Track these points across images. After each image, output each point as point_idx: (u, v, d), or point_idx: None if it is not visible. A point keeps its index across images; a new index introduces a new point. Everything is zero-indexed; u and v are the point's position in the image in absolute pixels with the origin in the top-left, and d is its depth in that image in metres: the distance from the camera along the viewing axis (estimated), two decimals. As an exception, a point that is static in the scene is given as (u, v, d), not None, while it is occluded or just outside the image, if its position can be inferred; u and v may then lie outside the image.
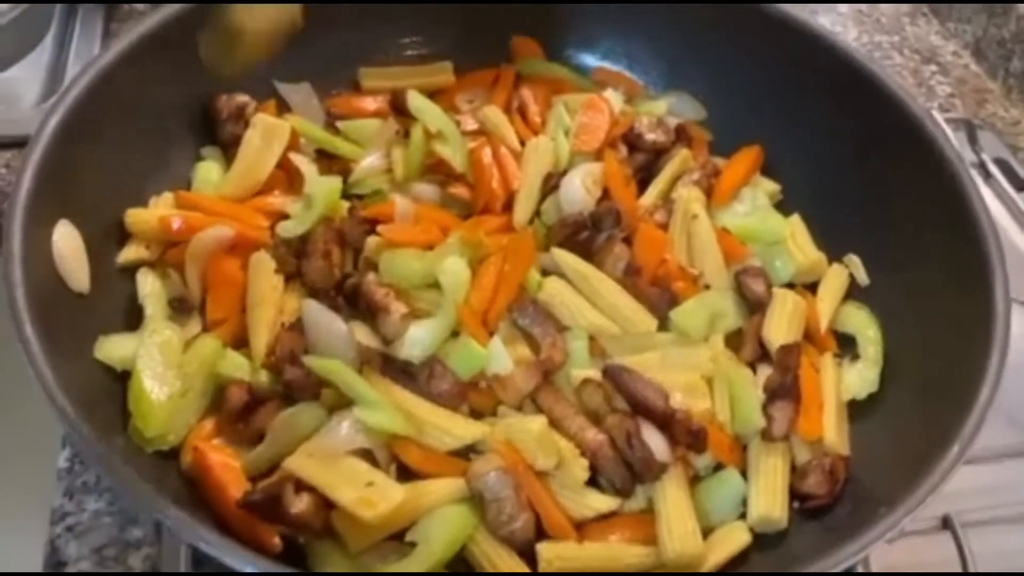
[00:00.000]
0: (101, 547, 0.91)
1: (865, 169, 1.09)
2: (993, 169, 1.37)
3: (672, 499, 0.85)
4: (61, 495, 0.95)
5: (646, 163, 1.16)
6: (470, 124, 1.16)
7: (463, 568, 0.83)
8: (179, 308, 0.94)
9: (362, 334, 0.91)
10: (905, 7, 1.69)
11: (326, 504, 0.80)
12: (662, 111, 1.20)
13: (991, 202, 1.34)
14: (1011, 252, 1.27)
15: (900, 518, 0.73)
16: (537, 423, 0.86)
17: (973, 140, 1.39)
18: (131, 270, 0.97)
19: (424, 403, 0.89)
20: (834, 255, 1.08)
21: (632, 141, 1.16)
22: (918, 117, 1.04)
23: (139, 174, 1.02)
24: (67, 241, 0.89)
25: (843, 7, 1.67)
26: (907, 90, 1.10)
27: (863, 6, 1.68)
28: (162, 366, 0.86)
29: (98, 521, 0.93)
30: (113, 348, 0.88)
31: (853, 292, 1.06)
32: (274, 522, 0.79)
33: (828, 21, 1.64)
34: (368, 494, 0.78)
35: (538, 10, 1.23)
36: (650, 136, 1.16)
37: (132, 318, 0.94)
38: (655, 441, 0.86)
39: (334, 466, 0.81)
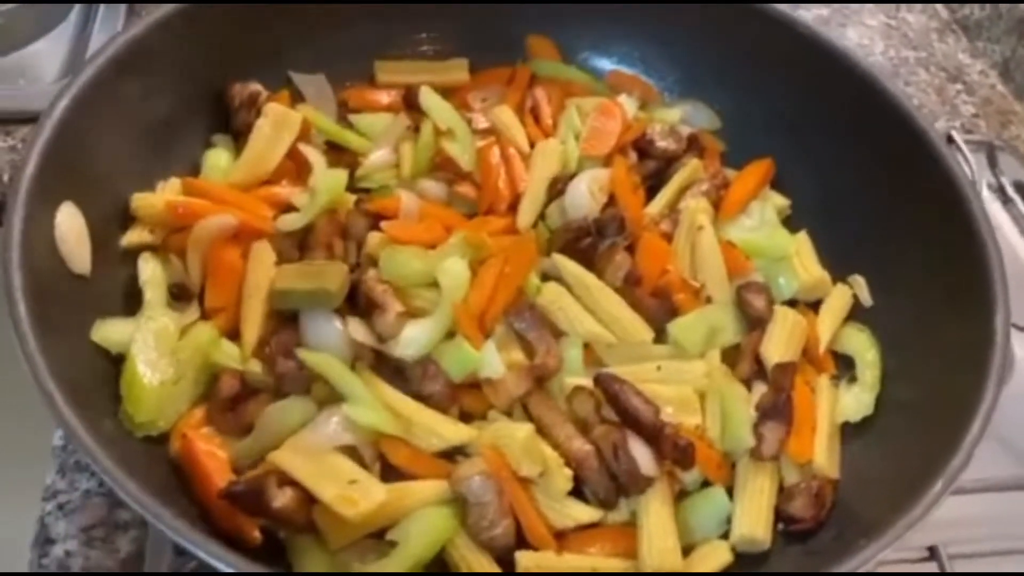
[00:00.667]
0: (89, 527, 0.92)
1: (876, 189, 1.08)
2: (1012, 193, 1.35)
3: (655, 514, 0.85)
4: (54, 472, 0.96)
5: (656, 171, 1.15)
6: (481, 123, 1.15)
7: (438, 570, 0.83)
8: (178, 295, 0.95)
9: (357, 330, 0.91)
10: (935, 23, 1.67)
11: (308, 499, 0.81)
12: (675, 119, 1.19)
13: (1008, 226, 1.33)
14: (1025, 279, 1.27)
15: (875, 552, 0.73)
16: (524, 430, 0.86)
17: (993, 163, 1.37)
18: (134, 254, 0.97)
19: (414, 403, 0.89)
20: (839, 274, 1.07)
21: (643, 148, 1.15)
22: (931, 140, 1.02)
23: (149, 159, 1.02)
24: (70, 223, 0.89)
25: (872, 20, 1.65)
26: (922, 112, 1.08)
27: (892, 20, 1.66)
28: (156, 352, 0.87)
29: (88, 501, 0.94)
30: (110, 331, 0.89)
31: (855, 313, 1.05)
32: (255, 515, 0.79)
33: (856, 34, 1.62)
34: (350, 492, 0.79)
35: (556, 11, 1.23)
36: (661, 144, 1.15)
37: (133, 302, 0.94)
38: (642, 454, 0.86)
39: (318, 462, 0.82)
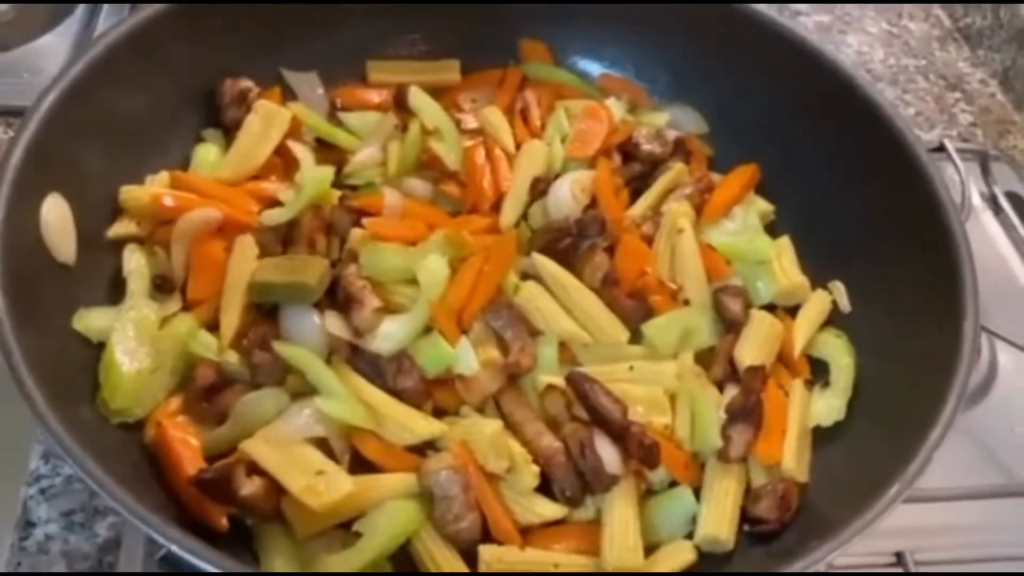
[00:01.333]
0: (70, 512, 0.95)
1: (858, 197, 1.08)
2: (1004, 203, 1.35)
3: (619, 512, 0.86)
4: (38, 458, 0.98)
5: (642, 173, 1.16)
6: (470, 123, 1.17)
7: (403, 563, 0.85)
8: (162, 286, 0.97)
9: (334, 324, 0.93)
10: (937, 31, 1.66)
11: (276, 489, 0.82)
12: (662, 123, 1.20)
13: (999, 236, 1.33)
14: (1014, 289, 1.27)
15: (824, 555, 0.73)
16: (492, 426, 0.87)
17: (986, 172, 1.37)
18: (120, 245, 0.99)
19: (386, 397, 0.90)
20: (819, 280, 1.08)
21: (629, 151, 1.16)
22: (912, 150, 1.03)
23: (139, 152, 1.04)
24: (55, 213, 0.91)
25: (873, 28, 1.65)
26: (908, 121, 1.09)
27: (894, 27, 1.66)
28: (135, 341, 0.89)
29: (70, 486, 0.96)
30: (91, 320, 0.91)
31: (832, 319, 1.05)
32: (224, 502, 0.81)
33: (856, 41, 1.62)
34: (316, 483, 0.80)
35: (549, 14, 1.24)
36: (647, 147, 1.16)
37: (117, 292, 0.96)
38: (608, 452, 0.87)
39: (288, 452, 0.83)
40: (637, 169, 1.16)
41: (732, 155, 1.19)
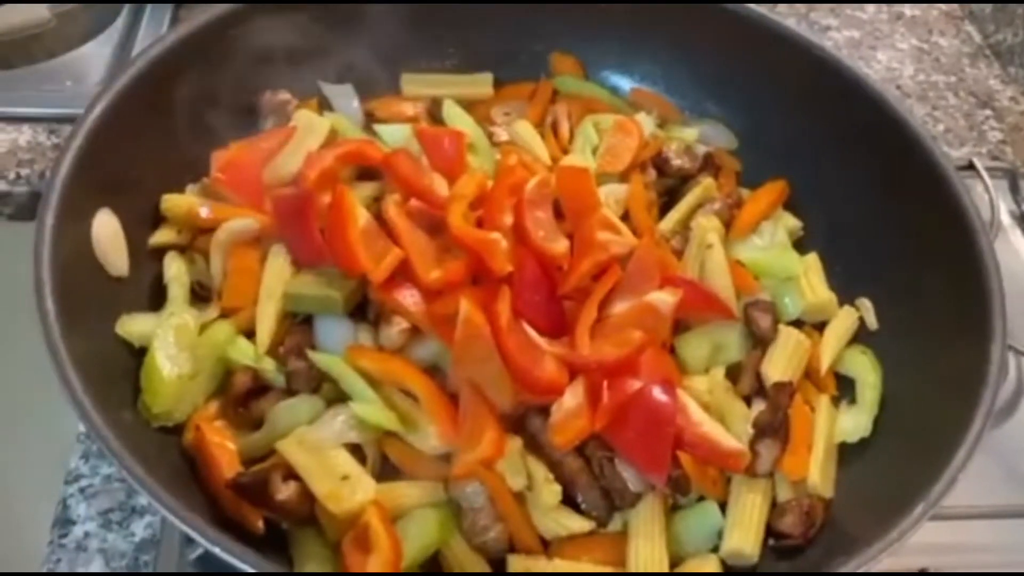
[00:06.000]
0: (107, 511, 0.97)
1: (886, 214, 1.09)
2: (1032, 221, 1.35)
3: (645, 525, 0.87)
4: (78, 458, 1.01)
5: (671, 188, 1.18)
6: (502, 136, 1.18)
7: (433, 569, 0.86)
8: (201, 293, 0.99)
9: (364, 338, 0.95)
10: (967, 47, 1.67)
11: (311, 493, 0.84)
12: (692, 138, 1.21)
13: (1026, 255, 1.33)
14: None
15: (848, 572, 0.74)
16: (512, 445, 0.88)
17: (1015, 190, 1.37)
18: (163, 252, 1.02)
19: (415, 407, 0.92)
20: (846, 297, 1.09)
21: (659, 165, 1.18)
22: (943, 170, 1.03)
23: (180, 162, 1.07)
24: (106, 229, 0.95)
25: (903, 44, 1.66)
26: (938, 140, 1.09)
27: (924, 44, 1.66)
28: (176, 347, 0.91)
29: (108, 486, 0.99)
30: (134, 325, 0.93)
31: (858, 335, 1.06)
32: (259, 506, 0.83)
33: (886, 57, 1.63)
34: (340, 488, 0.83)
35: (581, 29, 1.26)
36: (676, 162, 1.17)
37: (159, 299, 0.99)
38: (630, 471, 0.88)
39: (319, 456, 0.85)
40: (667, 184, 1.18)
41: (760, 171, 1.20)
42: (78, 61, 1.44)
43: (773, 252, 1.10)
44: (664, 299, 0.95)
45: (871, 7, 1.72)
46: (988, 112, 1.55)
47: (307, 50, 1.16)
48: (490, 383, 0.89)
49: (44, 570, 0.93)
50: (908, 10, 1.73)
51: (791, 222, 1.16)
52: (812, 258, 1.11)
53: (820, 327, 1.07)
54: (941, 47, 1.67)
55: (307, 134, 1.11)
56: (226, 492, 0.84)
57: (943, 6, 1.74)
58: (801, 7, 1.70)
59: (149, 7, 1.51)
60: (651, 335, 0.93)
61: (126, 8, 1.50)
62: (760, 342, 1.02)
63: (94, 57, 1.44)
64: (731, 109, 1.25)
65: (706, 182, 1.15)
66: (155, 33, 1.45)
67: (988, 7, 1.68)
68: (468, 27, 1.24)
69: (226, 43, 1.09)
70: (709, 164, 1.18)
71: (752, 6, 1.20)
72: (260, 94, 1.14)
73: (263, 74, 1.14)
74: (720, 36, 1.22)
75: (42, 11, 1.39)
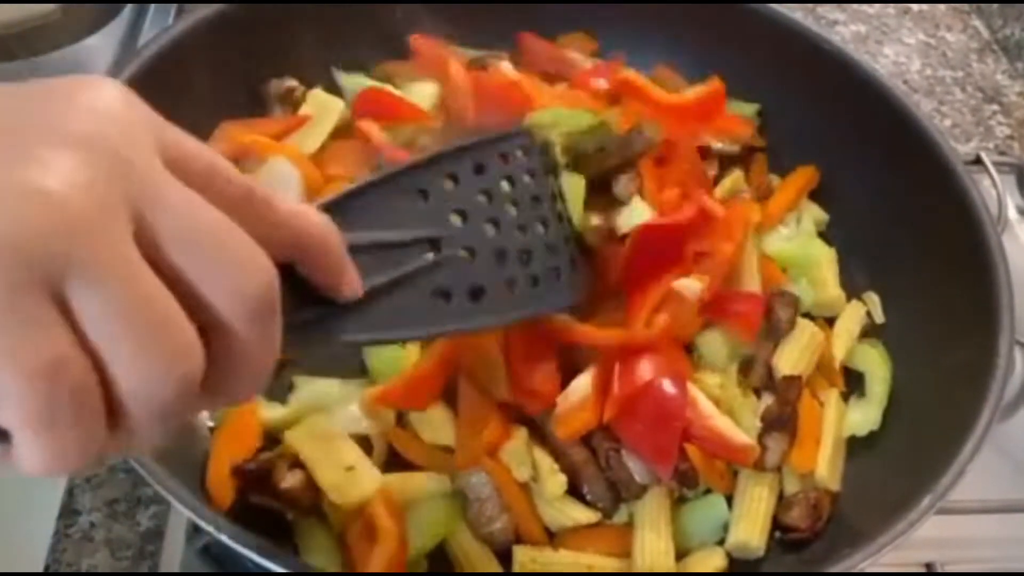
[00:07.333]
0: (113, 500, 0.97)
1: (893, 209, 1.09)
2: (1040, 216, 1.35)
3: (651, 516, 0.87)
4: (83, 447, 1.01)
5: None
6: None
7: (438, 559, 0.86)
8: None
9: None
10: (975, 42, 1.66)
11: (316, 483, 0.84)
12: (751, 112, 1.20)
13: (1032, 251, 1.33)
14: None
15: (856, 563, 0.74)
16: (516, 435, 0.88)
17: (1023, 185, 1.37)
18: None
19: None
20: (854, 291, 1.08)
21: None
22: (951, 165, 1.03)
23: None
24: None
25: (910, 39, 1.65)
26: (946, 135, 1.09)
27: (931, 39, 1.66)
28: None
29: (114, 476, 0.99)
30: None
31: (866, 330, 1.06)
32: (263, 494, 0.83)
33: (892, 52, 1.62)
34: (343, 479, 0.82)
35: (593, 16, 1.26)
36: (718, 146, 1.15)
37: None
38: (636, 462, 0.88)
39: (325, 446, 0.85)
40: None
41: (771, 166, 1.20)
42: (82, 54, 1.43)
43: (798, 241, 1.10)
44: (690, 286, 0.94)
45: (878, 2, 1.72)
46: (995, 107, 1.55)
47: (315, 39, 1.16)
48: (486, 375, 0.89)
49: (49, 561, 0.93)
50: (915, 5, 1.72)
51: (817, 213, 1.15)
52: (830, 252, 1.10)
53: (828, 321, 1.07)
54: (948, 42, 1.66)
55: (322, 115, 1.10)
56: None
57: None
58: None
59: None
60: (675, 321, 0.92)
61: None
62: (773, 333, 1.01)
63: (99, 49, 1.44)
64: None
65: (735, 174, 1.13)
66: (161, 25, 1.45)
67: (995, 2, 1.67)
68: (479, 12, 1.23)
69: (232, 34, 1.09)
70: (750, 150, 1.17)
71: (758, 0, 1.20)
72: (266, 82, 1.14)
73: (270, 63, 1.13)
74: (725, 29, 1.21)
75: (47, 3, 1.39)
